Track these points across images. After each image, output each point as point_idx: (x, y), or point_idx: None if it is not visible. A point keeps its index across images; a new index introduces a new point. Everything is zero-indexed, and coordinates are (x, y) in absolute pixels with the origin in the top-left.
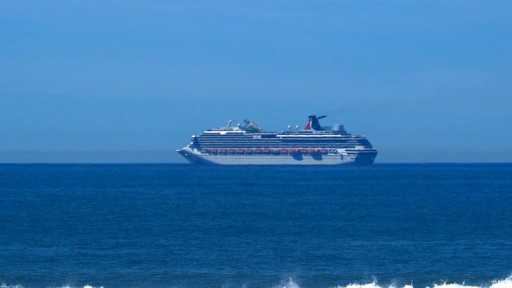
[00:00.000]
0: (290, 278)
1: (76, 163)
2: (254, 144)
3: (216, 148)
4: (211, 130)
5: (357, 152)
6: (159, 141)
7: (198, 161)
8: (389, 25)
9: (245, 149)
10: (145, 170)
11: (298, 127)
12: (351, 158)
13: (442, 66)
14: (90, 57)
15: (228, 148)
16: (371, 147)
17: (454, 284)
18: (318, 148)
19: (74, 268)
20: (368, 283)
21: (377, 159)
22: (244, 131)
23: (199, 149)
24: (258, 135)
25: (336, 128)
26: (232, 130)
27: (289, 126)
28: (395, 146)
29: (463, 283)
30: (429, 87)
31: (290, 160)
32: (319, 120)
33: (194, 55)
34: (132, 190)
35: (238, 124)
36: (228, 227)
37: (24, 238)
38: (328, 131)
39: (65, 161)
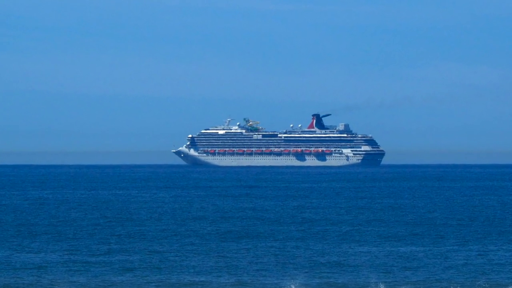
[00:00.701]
0: (293, 286)
1: (66, 164)
2: (254, 144)
3: (214, 149)
4: (208, 129)
5: (363, 152)
6: (153, 141)
7: (195, 162)
8: (397, 18)
9: (245, 149)
10: (139, 172)
11: (301, 126)
12: (357, 159)
13: (453, 62)
14: (81, 52)
15: (227, 149)
16: (378, 148)
17: None
18: (322, 149)
19: (63, 276)
20: None
21: (385, 160)
22: (244, 131)
23: (196, 149)
24: (258, 134)
25: (341, 127)
26: (231, 130)
27: (291, 125)
28: (404, 147)
29: None
30: (440, 84)
31: (292, 161)
32: (323, 118)
33: (191, 50)
34: (125, 193)
35: (238, 123)
36: (226, 232)
37: (10, 244)
38: (333, 130)
39: (54, 162)
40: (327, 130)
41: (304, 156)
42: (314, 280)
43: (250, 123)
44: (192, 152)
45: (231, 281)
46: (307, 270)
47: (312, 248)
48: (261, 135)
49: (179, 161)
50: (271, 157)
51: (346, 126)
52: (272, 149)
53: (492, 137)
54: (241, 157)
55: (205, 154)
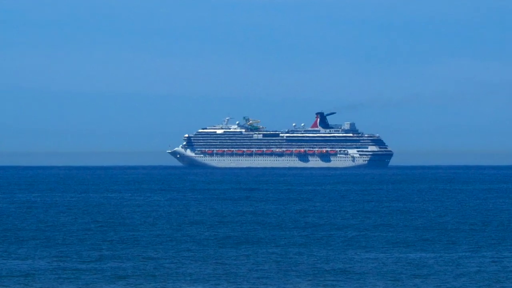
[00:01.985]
0: None
1: (55, 166)
2: (255, 145)
3: (212, 149)
4: (206, 128)
5: (370, 153)
6: (148, 141)
7: (191, 163)
8: (405, 11)
9: (245, 150)
10: (132, 174)
11: (304, 125)
12: (363, 160)
13: (464, 58)
14: (71, 47)
15: (226, 149)
16: (386, 148)
17: None
18: (327, 149)
19: (52, 284)
20: None
21: (393, 161)
22: (244, 130)
23: (192, 149)
24: (259, 134)
25: (346, 126)
26: (230, 129)
27: (293, 124)
28: (413, 147)
29: None
30: (450, 81)
31: (295, 162)
32: (327, 117)
33: (187, 45)
34: (117, 196)
35: (237, 122)
36: (225, 237)
37: None
38: (338, 129)
39: (42, 163)
40: (331, 130)
41: (307, 157)
42: None
43: (250, 122)
44: (188, 152)
45: None
46: (311, 278)
47: (315, 254)
48: (261, 135)
49: (175, 162)
50: (272, 158)
51: (352, 125)
52: (274, 149)
53: (506, 136)
54: (240, 158)
55: (202, 155)
